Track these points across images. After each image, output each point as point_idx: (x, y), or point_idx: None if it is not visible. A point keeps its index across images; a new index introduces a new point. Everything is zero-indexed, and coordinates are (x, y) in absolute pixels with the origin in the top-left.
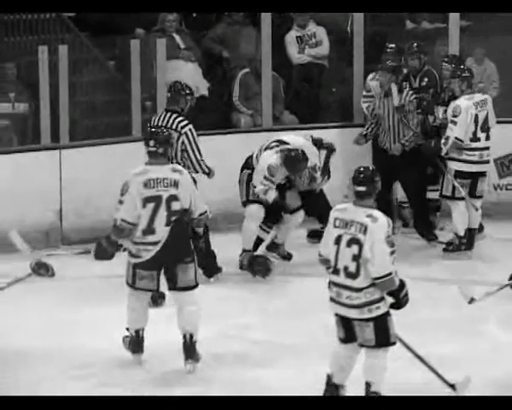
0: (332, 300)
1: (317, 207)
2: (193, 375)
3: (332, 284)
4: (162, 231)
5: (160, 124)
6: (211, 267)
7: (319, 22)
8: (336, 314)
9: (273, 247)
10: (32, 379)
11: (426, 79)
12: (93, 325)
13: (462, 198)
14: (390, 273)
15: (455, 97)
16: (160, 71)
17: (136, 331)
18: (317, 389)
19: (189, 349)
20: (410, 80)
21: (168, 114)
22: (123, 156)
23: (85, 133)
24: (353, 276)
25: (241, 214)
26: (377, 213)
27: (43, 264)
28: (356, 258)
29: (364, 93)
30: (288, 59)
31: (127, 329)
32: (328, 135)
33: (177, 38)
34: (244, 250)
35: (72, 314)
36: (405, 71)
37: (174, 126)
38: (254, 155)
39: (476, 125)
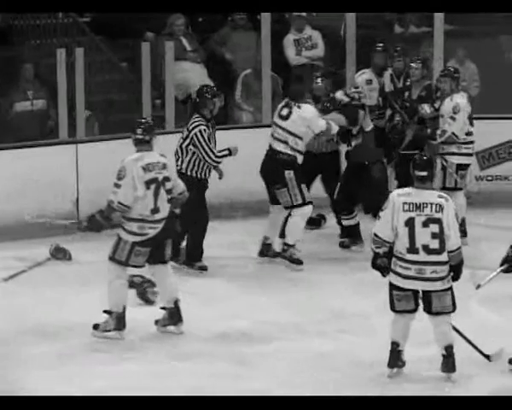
0: (409, 277)
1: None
2: (197, 350)
3: (408, 262)
4: (165, 209)
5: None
6: (195, 259)
7: (315, 26)
8: (407, 290)
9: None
10: (53, 350)
11: (409, 80)
12: (103, 302)
13: (461, 189)
14: (460, 246)
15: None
16: (168, 71)
17: (124, 307)
18: (316, 364)
19: (177, 314)
20: (395, 81)
21: (193, 115)
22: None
23: (99, 128)
24: (438, 252)
25: (243, 202)
26: (444, 194)
27: (60, 249)
28: (437, 235)
29: (353, 89)
30: (286, 60)
31: (107, 311)
32: None
33: (184, 40)
34: (287, 245)
35: (88, 294)
36: (390, 71)
37: (189, 125)
38: (278, 147)
39: (469, 121)
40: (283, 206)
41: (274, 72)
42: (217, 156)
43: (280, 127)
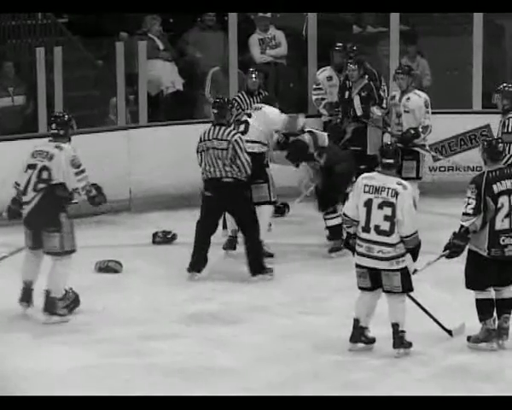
0: (361, 254)
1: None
2: (169, 332)
3: (361, 240)
4: (30, 194)
5: (212, 137)
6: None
7: (278, 27)
8: (362, 267)
9: None
10: (27, 331)
11: (366, 77)
12: (79, 286)
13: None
14: (416, 232)
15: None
16: (141, 69)
17: (25, 282)
18: (282, 343)
19: (47, 303)
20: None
21: (217, 128)
22: (110, 142)
23: (77, 123)
24: (387, 233)
25: None
26: (404, 182)
27: None
28: (389, 218)
29: (314, 86)
30: (252, 59)
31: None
32: None
33: (157, 40)
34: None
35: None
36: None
37: (225, 137)
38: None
39: None
40: (257, 201)
41: (240, 69)
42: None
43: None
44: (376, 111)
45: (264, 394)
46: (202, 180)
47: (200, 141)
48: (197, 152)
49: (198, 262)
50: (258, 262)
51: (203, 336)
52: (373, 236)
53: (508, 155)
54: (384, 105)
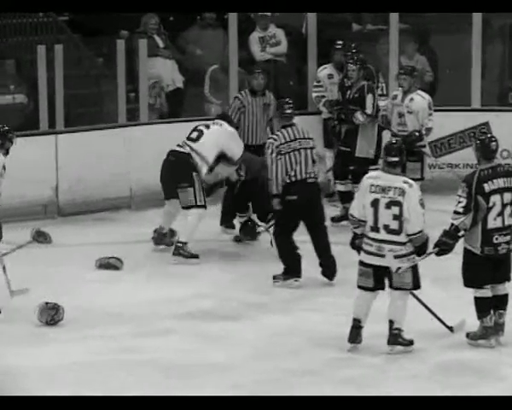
0: (371, 253)
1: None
2: (165, 328)
3: (371, 240)
4: None
5: (296, 137)
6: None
7: (278, 25)
8: (368, 265)
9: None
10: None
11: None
12: (78, 282)
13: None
14: (422, 230)
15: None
16: (141, 67)
17: None
18: (279, 340)
19: None
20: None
21: (294, 128)
22: (110, 140)
23: (78, 120)
24: (397, 232)
25: None
26: (410, 180)
27: (42, 232)
28: (397, 217)
29: (315, 83)
30: (252, 56)
31: None
32: None
33: (157, 38)
34: (182, 243)
35: (67, 274)
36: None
37: (310, 135)
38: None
39: None
40: (184, 205)
41: (240, 67)
42: None
43: None
44: (359, 117)
45: (258, 391)
46: (277, 185)
47: (282, 143)
48: (276, 154)
49: (297, 267)
50: (335, 265)
51: (199, 332)
52: (383, 235)
53: None
54: (368, 111)
